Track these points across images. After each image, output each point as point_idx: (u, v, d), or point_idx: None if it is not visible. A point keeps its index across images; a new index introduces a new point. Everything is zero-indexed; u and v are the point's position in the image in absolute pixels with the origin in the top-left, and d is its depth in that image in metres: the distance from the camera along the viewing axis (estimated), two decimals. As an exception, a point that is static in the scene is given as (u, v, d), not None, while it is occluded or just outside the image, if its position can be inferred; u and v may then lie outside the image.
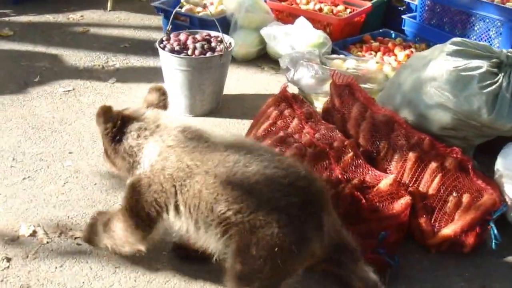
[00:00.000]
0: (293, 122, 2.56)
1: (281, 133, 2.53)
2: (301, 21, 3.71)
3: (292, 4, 4.17)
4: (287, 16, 4.08)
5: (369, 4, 4.11)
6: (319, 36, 3.68)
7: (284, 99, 2.68)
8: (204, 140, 1.91)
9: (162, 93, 2.16)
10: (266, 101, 3.34)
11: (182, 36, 3.26)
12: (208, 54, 3.12)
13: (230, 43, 3.25)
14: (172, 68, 3.14)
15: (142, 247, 2.04)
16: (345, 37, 3.96)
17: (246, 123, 3.19)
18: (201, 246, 1.93)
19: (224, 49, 3.13)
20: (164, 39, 3.27)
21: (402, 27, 4.13)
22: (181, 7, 4.21)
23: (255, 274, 1.78)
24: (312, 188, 1.81)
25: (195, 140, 1.91)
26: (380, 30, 4.13)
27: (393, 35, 4.09)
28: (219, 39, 3.28)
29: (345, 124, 2.68)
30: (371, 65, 3.43)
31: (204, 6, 3.77)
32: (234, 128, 3.18)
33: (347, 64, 3.40)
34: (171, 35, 3.31)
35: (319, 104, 3.20)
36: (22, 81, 3.62)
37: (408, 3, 4.33)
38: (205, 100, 3.24)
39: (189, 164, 1.85)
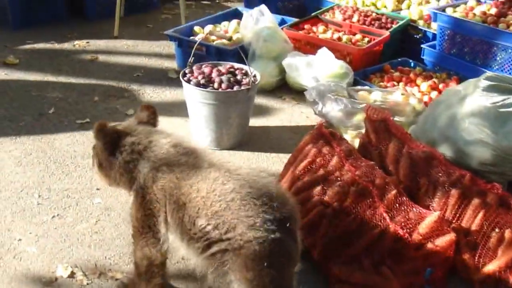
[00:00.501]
0: (333, 160, 2.68)
1: (322, 171, 2.65)
2: (324, 51, 3.86)
3: (309, 33, 4.33)
4: (304, 45, 4.24)
5: (387, 33, 4.29)
6: (341, 66, 3.83)
7: (322, 136, 2.80)
8: (194, 156, 2.09)
9: (152, 112, 2.32)
10: (292, 133, 3.53)
11: (206, 69, 3.38)
12: (236, 88, 3.24)
13: (255, 76, 3.38)
14: (198, 102, 3.25)
15: (157, 261, 2.16)
16: (365, 66, 4.13)
17: (275, 157, 3.33)
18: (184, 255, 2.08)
19: (251, 82, 3.26)
20: (187, 71, 3.39)
21: (421, 56, 4.31)
22: (194, 36, 4.37)
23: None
24: (286, 207, 1.94)
25: (185, 155, 2.08)
26: (399, 59, 4.30)
27: (412, 64, 4.27)
28: (243, 71, 3.41)
29: (384, 160, 2.81)
30: (396, 96, 3.58)
31: (221, 37, 3.88)
32: (263, 162, 3.29)
33: (373, 96, 3.55)
34: (194, 67, 3.44)
35: (348, 136, 3.34)
36: (36, 113, 3.70)
37: (425, 31, 4.53)
38: (231, 133, 3.35)
39: (178, 177, 2.01)
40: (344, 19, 4.50)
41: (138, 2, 5.53)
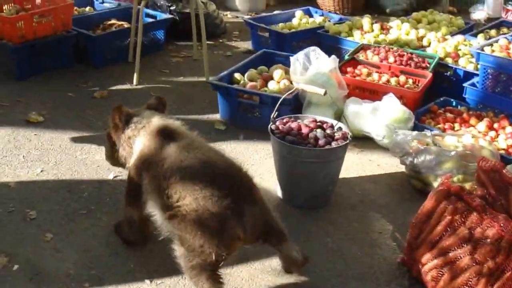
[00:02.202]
0: (472, 216, 2.67)
1: (465, 230, 2.62)
2: (390, 97, 3.86)
3: (355, 77, 4.33)
4: (353, 89, 4.23)
5: (429, 73, 4.37)
6: (403, 111, 3.85)
7: (451, 193, 2.78)
8: (174, 138, 2.52)
9: (162, 102, 2.84)
10: (373, 184, 3.52)
11: (293, 124, 3.28)
12: (334, 144, 3.16)
13: (340, 128, 3.32)
14: (292, 160, 3.15)
15: (136, 218, 2.67)
16: (415, 109, 4.17)
17: (370, 213, 3.29)
18: (155, 224, 2.54)
19: (349, 137, 3.20)
20: (273, 127, 3.27)
21: (463, 95, 4.42)
22: (234, 83, 4.25)
23: (193, 251, 2.30)
24: (233, 180, 2.37)
25: (168, 136, 2.52)
26: (441, 99, 4.39)
27: (453, 103, 4.37)
28: (328, 124, 3.34)
29: (509, 211, 2.83)
30: (467, 139, 3.64)
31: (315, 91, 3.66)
32: (363, 221, 3.23)
33: (448, 140, 3.58)
34: (277, 122, 3.33)
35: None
36: (96, 182, 3.43)
37: (455, 68, 4.67)
38: (327, 191, 3.27)
39: (156, 153, 2.47)
40: (381, 60, 4.53)
41: (142, 45, 5.30)
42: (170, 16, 5.46)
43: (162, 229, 2.50)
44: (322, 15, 5.92)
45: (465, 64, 4.68)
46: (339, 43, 5.13)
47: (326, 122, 3.36)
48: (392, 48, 4.73)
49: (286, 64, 4.51)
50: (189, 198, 2.29)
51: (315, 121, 3.35)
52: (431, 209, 2.80)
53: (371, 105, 3.87)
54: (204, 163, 2.41)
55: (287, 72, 4.30)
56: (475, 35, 5.42)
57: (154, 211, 2.51)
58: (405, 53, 4.63)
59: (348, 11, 6.86)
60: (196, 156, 2.43)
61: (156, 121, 2.62)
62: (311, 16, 5.96)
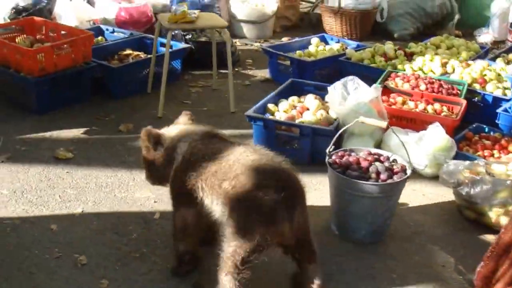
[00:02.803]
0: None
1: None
2: (435, 126, 3.83)
3: (390, 105, 4.29)
4: (390, 118, 4.18)
5: (463, 100, 4.36)
6: (447, 140, 3.82)
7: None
8: (221, 140, 2.75)
9: (191, 118, 3.00)
10: (423, 215, 3.54)
11: (351, 158, 3.21)
12: (396, 178, 3.10)
13: (395, 160, 3.27)
14: (353, 194, 3.08)
15: (192, 220, 2.73)
16: (453, 136, 4.15)
17: (428, 246, 3.24)
18: (212, 217, 2.62)
19: (410, 170, 3.15)
20: (330, 161, 3.20)
21: (496, 121, 4.41)
22: (269, 114, 4.18)
23: (241, 232, 2.42)
24: (290, 180, 2.52)
25: (214, 138, 2.76)
26: (474, 125, 4.38)
27: (486, 129, 4.36)
28: (384, 156, 3.28)
29: None
30: (512, 167, 3.62)
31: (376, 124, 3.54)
32: (423, 254, 3.17)
33: (497, 169, 3.55)
34: (333, 156, 3.26)
35: (493, 215, 3.32)
36: (142, 221, 3.30)
37: (484, 94, 4.67)
38: (385, 225, 3.21)
39: (208, 153, 2.63)
40: (413, 88, 4.51)
41: (160, 75, 5.19)
42: (187, 45, 5.37)
43: (217, 225, 2.60)
44: (338, 41, 5.91)
45: (493, 89, 4.69)
46: (362, 70, 5.09)
47: (382, 155, 3.30)
48: (419, 75, 4.72)
49: (315, 93, 4.47)
50: (250, 185, 2.43)
51: (371, 153, 3.29)
52: (510, 242, 2.74)
53: (416, 135, 3.84)
54: (264, 158, 2.58)
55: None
56: (493, 60, 5.46)
57: (212, 208, 2.60)
58: (434, 80, 4.62)
59: (357, 36, 6.87)
60: (257, 152, 2.63)
61: (195, 128, 2.86)
62: (326, 43, 5.94)
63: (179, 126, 2.92)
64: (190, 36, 5.62)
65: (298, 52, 5.60)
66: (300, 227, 2.49)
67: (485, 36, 6.94)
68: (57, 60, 4.54)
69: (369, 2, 6.85)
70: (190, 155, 2.68)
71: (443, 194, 3.71)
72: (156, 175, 2.94)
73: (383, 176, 3.07)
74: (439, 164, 3.72)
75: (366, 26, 6.99)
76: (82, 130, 4.34)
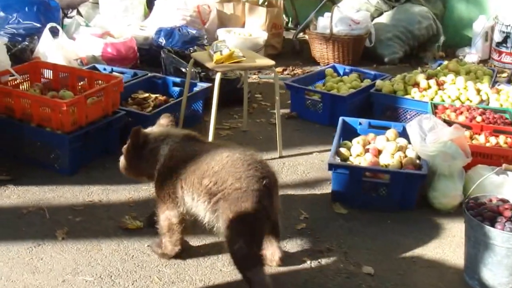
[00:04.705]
0: None
1: None
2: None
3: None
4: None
5: (522, 129, 4.40)
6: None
7: None
8: (198, 142, 3.09)
9: (171, 120, 3.30)
10: None
11: (490, 207, 3.10)
12: (545, 225, 3.02)
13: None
14: (503, 247, 2.96)
15: (175, 221, 3.01)
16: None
17: None
18: (194, 213, 2.96)
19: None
20: (467, 207, 3.08)
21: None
22: (340, 159, 3.99)
23: (237, 231, 2.73)
24: (266, 170, 2.84)
25: (192, 141, 3.08)
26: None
27: None
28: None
29: None
30: None
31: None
32: None
33: None
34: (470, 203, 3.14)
35: None
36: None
37: (525, 120, 4.76)
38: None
39: (188, 154, 2.94)
40: (470, 120, 4.49)
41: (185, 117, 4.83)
42: (208, 84, 5.03)
43: (203, 219, 2.88)
44: (352, 71, 5.80)
45: (535, 114, 4.79)
46: (397, 102, 5.04)
47: (506, 200, 3.21)
48: (470, 106, 4.72)
49: (370, 133, 4.33)
50: (231, 179, 2.72)
51: (503, 200, 3.19)
52: None
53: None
54: (242, 153, 2.87)
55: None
56: (509, 82, 5.62)
57: (193, 204, 2.89)
58: (486, 111, 4.63)
59: (349, 62, 6.83)
60: (233, 148, 2.94)
61: (175, 131, 3.19)
62: (338, 74, 5.82)
63: (162, 129, 3.21)
64: (204, 73, 5.28)
65: (317, 85, 5.46)
66: (276, 210, 2.91)
67: (471, 56, 7.16)
68: (88, 111, 4.06)
69: (361, 28, 6.84)
70: (170, 157, 2.97)
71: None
72: (135, 170, 3.23)
73: (534, 226, 2.97)
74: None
75: (358, 52, 6.97)
76: (131, 189, 3.88)
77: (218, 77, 4.11)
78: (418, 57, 7.38)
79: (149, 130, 3.21)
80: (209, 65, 4.19)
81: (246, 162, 2.79)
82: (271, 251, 3.07)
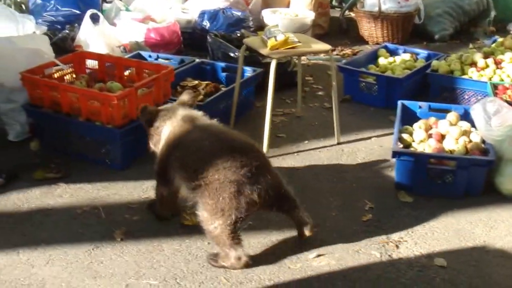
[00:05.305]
0: None
1: None
2: None
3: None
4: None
5: None
6: None
7: None
8: (193, 123, 3.10)
9: (193, 96, 3.42)
10: None
11: None
12: None
13: None
14: None
15: (165, 194, 3.23)
16: None
17: None
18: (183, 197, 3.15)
19: None
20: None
21: None
22: (402, 145, 3.89)
23: (215, 215, 2.81)
24: (249, 154, 2.86)
25: (188, 122, 3.11)
26: None
27: None
28: None
29: None
30: None
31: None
32: None
33: None
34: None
35: None
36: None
37: None
38: None
39: (180, 136, 3.05)
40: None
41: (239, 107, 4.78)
42: (259, 69, 4.96)
43: (188, 199, 3.00)
44: (405, 51, 5.66)
45: None
46: (455, 83, 4.89)
47: None
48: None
49: (430, 116, 4.22)
50: (212, 169, 2.80)
51: None
52: None
53: None
54: (223, 140, 2.96)
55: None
56: None
57: (181, 184, 3.03)
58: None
59: (398, 40, 6.69)
60: (216, 135, 3.00)
61: (181, 111, 3.20)
62: (391, 54, 5.69)
63: (170, 107, 3.34)
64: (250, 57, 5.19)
65: (370, 66, 5.34)
66: (269, 190, 2.84)
67: (524, 31, 6.92)
68: (139, 103, 3.97)
69: (411, 5, 6.67)
70: (169, 139, 3.10)
71: None
72: (153, 147, 3.35)
73: None
74: None
75: (407, 29, 6.81)
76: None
77: (273, 64, 4.02)
78: (468, 33, 7.17)
79: (163, 107, 3.38)
80: (264, 51, 4.11)
81: (227, 150, 2.87)
82: (298, 224, 3.14)
